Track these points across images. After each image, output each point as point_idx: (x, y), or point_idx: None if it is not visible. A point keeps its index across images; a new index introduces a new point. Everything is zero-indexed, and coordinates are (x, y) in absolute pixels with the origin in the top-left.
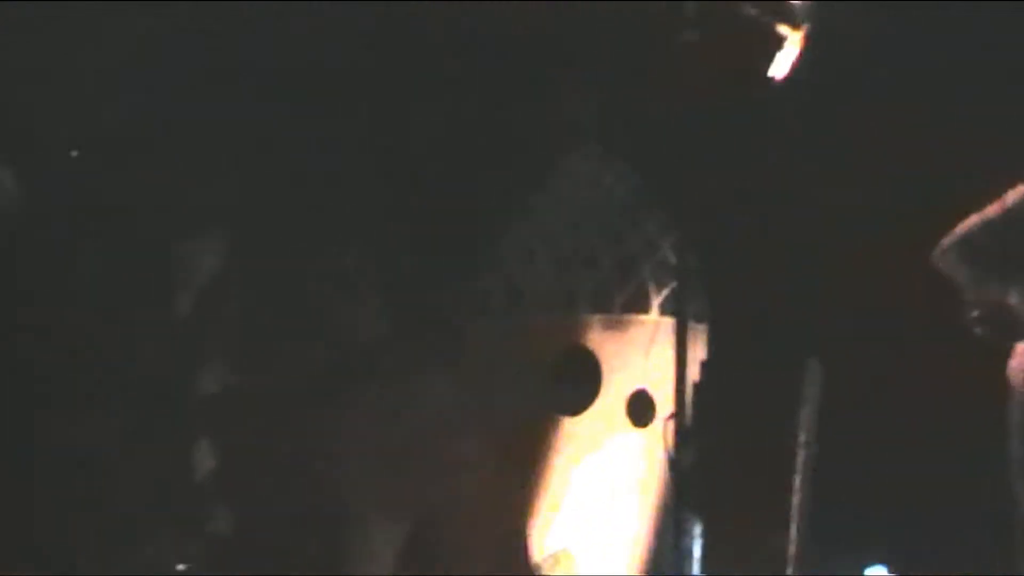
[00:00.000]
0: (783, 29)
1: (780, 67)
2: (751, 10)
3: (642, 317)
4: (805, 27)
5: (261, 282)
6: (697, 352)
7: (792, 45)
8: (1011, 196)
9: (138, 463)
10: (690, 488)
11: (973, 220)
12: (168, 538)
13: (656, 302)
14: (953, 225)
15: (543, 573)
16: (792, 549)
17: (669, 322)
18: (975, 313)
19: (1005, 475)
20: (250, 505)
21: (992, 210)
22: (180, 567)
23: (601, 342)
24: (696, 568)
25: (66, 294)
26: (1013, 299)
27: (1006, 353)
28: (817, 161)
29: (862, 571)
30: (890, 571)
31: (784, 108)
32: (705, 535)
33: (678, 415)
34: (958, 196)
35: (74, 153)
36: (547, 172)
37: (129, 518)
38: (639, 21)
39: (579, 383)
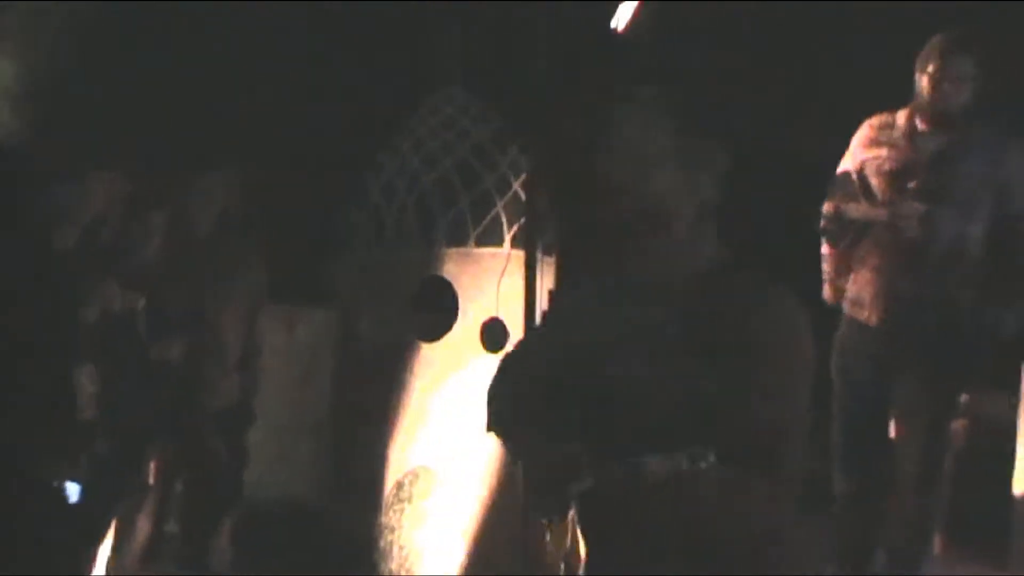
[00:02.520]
0: None
1: (622, 20)
2: None
3: (495, 250)
4: None
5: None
6: (545, 282)
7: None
8: None
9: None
10: None
11: None
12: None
13: (508, 236)
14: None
15: (404, 488)
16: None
17: (520, 254)
18: (822, 222)
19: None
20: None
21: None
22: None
23: (457, 273)
24: None
25: None
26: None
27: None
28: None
29: None
30: None
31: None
32: None
33: None
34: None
35: None
36: (411, 113)
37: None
38: None
39: (437, 311)
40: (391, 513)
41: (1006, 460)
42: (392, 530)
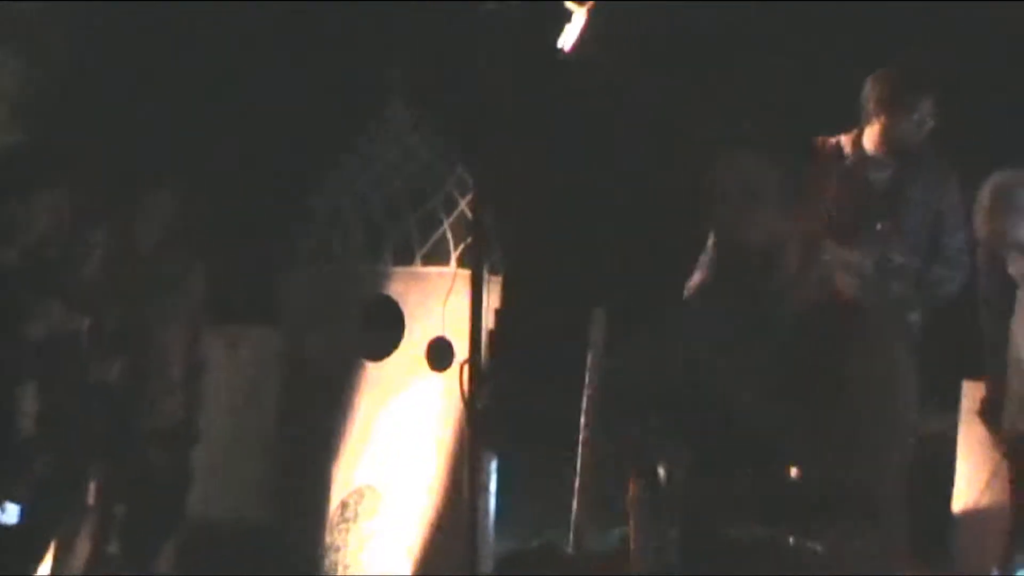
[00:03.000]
0: (571, 4)
1: (568, 39)
2: None
3: (441, 269)
4: (590, 3)
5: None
6: (492, 302)
7: (579, 19)
8: None
9: None
10: (485, 427)
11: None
12: None
13: (455, 255)
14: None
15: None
16: (579, 482)
17: (466, 273)
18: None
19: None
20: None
21: None
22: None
23: (404, 292)
24: (491, 501)
25: None
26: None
27: None
28: (603, 128)
29: None
30: None
31: (575, 79)
32: (500, 470)
33: (473, 360)
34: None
35: None
36: (357, 131)
37: None
38: None
39: (383, 330)
40: (336, 532)
41: (948, 476)
42: (337, 549)
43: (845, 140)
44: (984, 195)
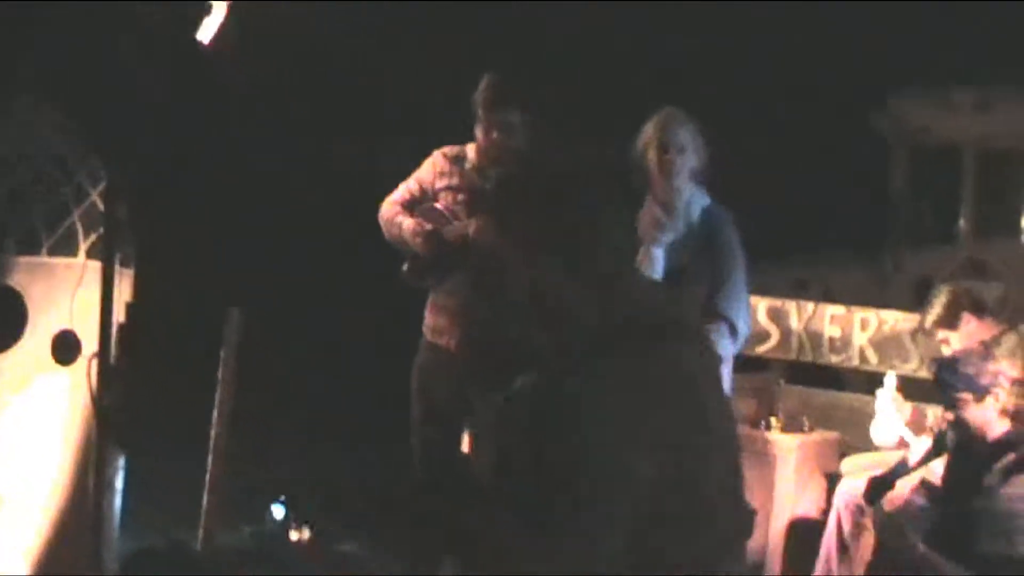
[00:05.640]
0: None
1: (206, 32)
2: None
3: (70, 260)
4: None
5: None
6: (123, 295)
7: (218, 13)
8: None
9: None
10: (113, 424)
11: None
12: None
13: (84, 247)
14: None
15: None
16: (208, 478)
17: (96, 265)
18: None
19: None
20: None
21: None
22: None
23: (28, 283)
24: (118, 499)
25: None
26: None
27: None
28: (243, 124)
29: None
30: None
31: (214, 73)
32: (127, 468)
33: (103, 355)
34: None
35: None
36: None
37: None
38: None
39: (3, 322)
40: None
41: None
42: None
43: (470, 149)
44: None
